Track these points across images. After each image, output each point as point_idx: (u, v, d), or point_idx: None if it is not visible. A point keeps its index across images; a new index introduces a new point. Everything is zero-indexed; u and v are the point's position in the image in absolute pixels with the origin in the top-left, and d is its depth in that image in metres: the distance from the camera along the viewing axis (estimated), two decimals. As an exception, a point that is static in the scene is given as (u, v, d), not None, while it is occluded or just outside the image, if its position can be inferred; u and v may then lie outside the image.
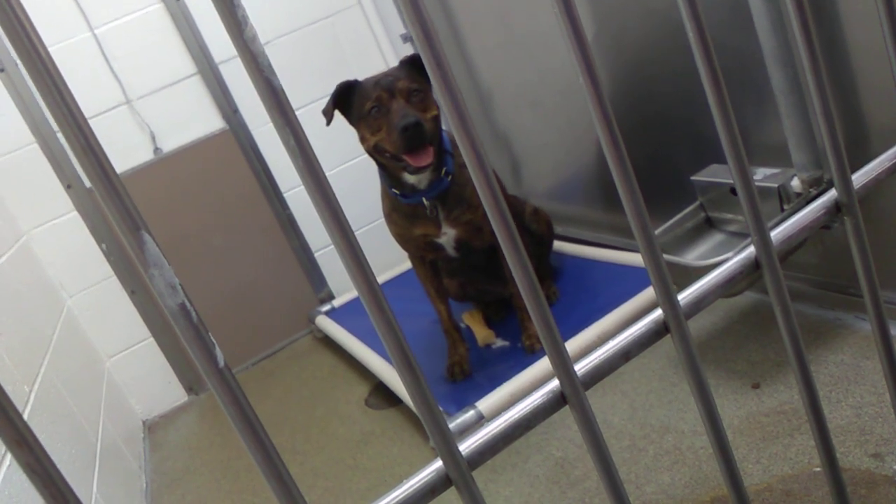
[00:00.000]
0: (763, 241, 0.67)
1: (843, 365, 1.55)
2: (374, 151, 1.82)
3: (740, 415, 1.54)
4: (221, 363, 0.44)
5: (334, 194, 0.48)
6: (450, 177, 1.90)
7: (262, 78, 0.46)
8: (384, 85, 1.77)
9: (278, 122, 0.47)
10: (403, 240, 2.04)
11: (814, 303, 1.77)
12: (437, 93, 0.52)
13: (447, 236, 1.95)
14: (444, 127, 1.93)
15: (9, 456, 1.41)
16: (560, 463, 1.65)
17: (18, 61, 2.48)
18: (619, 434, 1.65)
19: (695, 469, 1.46)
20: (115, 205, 0.42)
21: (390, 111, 1.75)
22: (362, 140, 1.83)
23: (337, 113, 1.86)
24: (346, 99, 1.84)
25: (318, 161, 0.48)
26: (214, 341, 0.45)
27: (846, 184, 0.72)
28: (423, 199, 1.89)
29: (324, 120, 1.83)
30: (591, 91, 0.57)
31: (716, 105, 0.67)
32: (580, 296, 2.26)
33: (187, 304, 0.43)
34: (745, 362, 1.70)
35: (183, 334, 0.44)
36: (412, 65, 1.83)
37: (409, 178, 1.86)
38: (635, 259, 2.25)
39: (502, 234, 0.55)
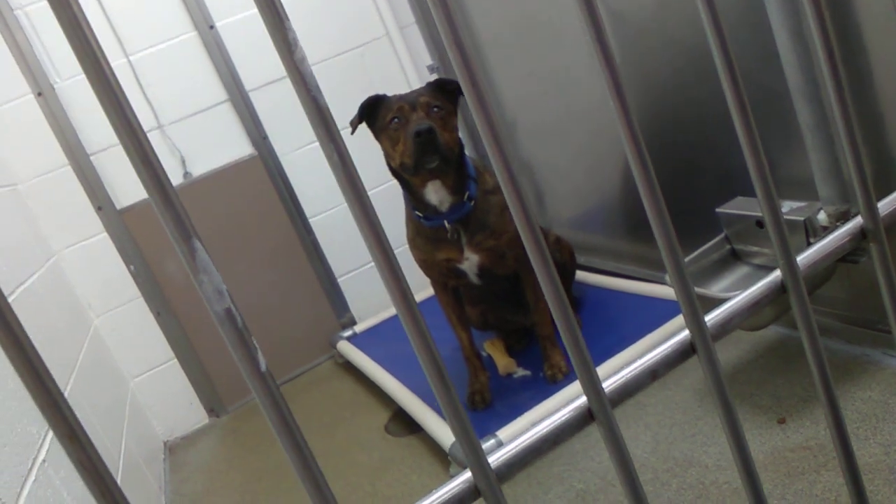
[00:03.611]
0: (789, 265, 0.67)
1: (871, 402, 1.53)
2: (399, 168, 1.87)
3: (765, 450, 1.52)
4: (263, 367, 0.46)
5: (372, 206, 0.50)
6: (472, 202, 1.92)
7: (309, 97, 0.49)
8: (407, 99, 1.83)
9: (323, 138, 0.49)
10: (426, 265, 2.06)
11: (841, 338, 1.75)
12: (472, 109, 0.54)
13: (469, 262, 1.97)
14: (469, 154, 1.96)
15: (34, 472, 1.43)
16: (581, 495, 1.63)
17: (55, 85, 2.54)
18: (641, 467, 1.64)
19: None
20: (170, 213, 0.44)
21: (409, 122, 1.80)
22: (387, 156, 1.89)
23: (365, 135, 1.91)
24: (373, 112, 1.89)
25: (358, 175, 0.50)
26: (257, 346, 0.46)
27: (872, 209, 0.73)
28: (445, 223, 1.91)
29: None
30: (619, 110, 0.59)
31: (744, 135, 0.69)
32: (603, 327, 2.25)
33: (233, 309, 0.45)
34: (771, 397, 1.69)
35: (228, 338, 0.46)
36: (438, 87, 1.88)
37: (431, 199, 1.89)
38: (659, 290, 2.25)
39: (532, 248, 0.57)
